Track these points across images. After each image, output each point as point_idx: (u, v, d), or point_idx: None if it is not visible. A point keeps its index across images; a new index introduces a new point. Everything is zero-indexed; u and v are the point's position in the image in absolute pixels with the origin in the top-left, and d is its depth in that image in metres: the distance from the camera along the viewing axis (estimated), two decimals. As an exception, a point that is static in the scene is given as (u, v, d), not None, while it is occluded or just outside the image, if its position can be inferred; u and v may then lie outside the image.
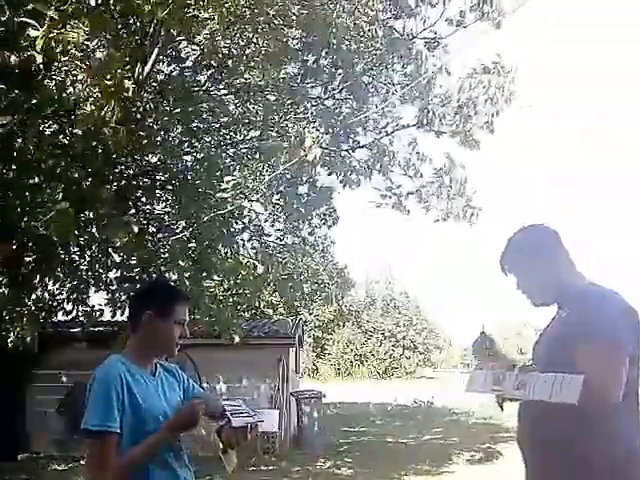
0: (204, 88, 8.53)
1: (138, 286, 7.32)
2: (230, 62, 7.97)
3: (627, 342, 2.01)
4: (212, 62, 7.64)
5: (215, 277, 7.72)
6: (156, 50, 6.61)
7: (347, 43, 5.84)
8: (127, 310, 6.47)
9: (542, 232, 2.33)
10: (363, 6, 5.98)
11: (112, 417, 2.00)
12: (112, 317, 7.25)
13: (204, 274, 7.42)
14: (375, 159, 7.31)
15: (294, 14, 6.01)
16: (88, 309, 7.72)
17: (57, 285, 7.74)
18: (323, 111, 7.59)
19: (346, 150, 7.59)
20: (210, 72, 8.32)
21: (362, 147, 7.69)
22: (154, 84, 7.27)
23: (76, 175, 5.64)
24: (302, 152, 4.89)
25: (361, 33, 6.17)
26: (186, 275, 6.76)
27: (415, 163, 7.52)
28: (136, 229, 6.13)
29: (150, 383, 2.19)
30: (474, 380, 2.40)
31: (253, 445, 9.89)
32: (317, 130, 5.29)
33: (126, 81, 4.87)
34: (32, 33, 4.18)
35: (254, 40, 6.70)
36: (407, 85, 7.11)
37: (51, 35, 4.14)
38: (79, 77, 4.34)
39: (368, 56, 6.98)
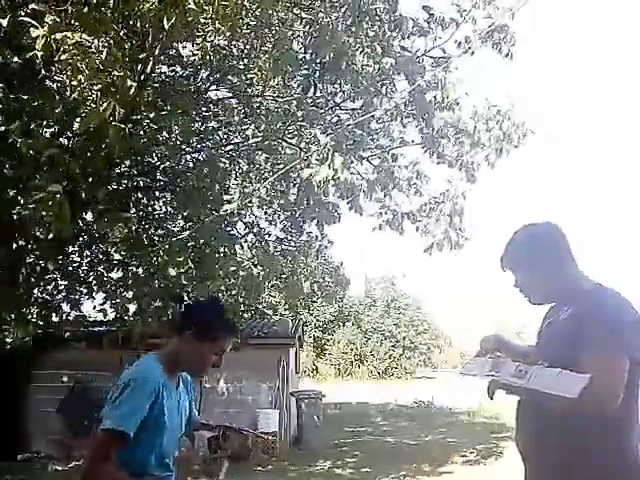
0: (204, 88, 8.52)
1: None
2: (232, 64, 7.97)
3: (631, 343, 1.99)
4: (213, 64, 7.63)
5: (216, 278, 7.70)
6: (156, 50, 6.61)
7: (351, 57, 5.77)
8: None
9: (545, 230, 2.29)
10: (369, 22, 5.93)
11: (133, 419, 2.03)
12: (113, 318, 7.25)
13: (204, 274, 7.41)
14: (379, 178, 7.23)
15: (298, 26, 5.98)
16: (87, 309, 7.73)
17: (56, 285, 7.74)
18: (330, 126, 7.52)
19: (357, 170, 7.48)
20: (209, 73, 8.32)
21: (375, 168, 7.57)
22: (154, 84, 7.26)
23: (76, 172, 5.62)
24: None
25: (366, 48, 6.10)
26: (187, 276, 6.76)
27: (416, 182, 7.47)
28: (135, 226, 6.12)
29: (175, 398, 2.25)
30: (471, 365, 2.36)
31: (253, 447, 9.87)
32: (326, 146, 5.21)
33: (128, 80, 4.87)
34: (33, 32, 4.19)
35: (257, 47, 6.69)
36: (412, 102, 7.03)
37: (52, 36, 4.14)
38: (79, 77, 4.33)
39: (374, 72, 6.91)
